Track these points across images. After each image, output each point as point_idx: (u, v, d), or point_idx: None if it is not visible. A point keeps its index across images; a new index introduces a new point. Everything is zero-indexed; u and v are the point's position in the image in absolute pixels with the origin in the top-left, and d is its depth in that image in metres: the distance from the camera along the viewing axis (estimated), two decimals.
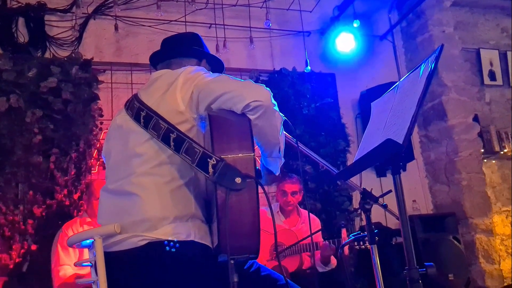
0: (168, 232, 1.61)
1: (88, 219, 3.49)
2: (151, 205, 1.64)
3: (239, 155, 1.58)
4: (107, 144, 1.92)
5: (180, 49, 2.06)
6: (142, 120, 1.73)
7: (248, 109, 1.60)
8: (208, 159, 1.54)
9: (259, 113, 1.61)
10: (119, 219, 1.66)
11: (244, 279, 1.57)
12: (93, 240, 1.66)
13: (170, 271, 1.61)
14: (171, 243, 1.60)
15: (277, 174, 1.84)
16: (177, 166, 1.67)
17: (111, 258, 1.65)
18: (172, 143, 1.63)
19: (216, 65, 2.13)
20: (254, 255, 1.58)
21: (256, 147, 1.71)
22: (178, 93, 1.71)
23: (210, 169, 1.53)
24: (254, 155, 1.59)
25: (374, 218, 4.56)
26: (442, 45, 1.70)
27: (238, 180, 1.51)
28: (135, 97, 1.84)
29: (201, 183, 1.74)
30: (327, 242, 3.73)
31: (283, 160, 1.84)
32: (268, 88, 1.66)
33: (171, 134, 1.64)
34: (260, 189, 1.58)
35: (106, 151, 1.92)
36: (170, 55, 2.04)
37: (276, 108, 1.68)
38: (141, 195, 1.66)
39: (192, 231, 1.64)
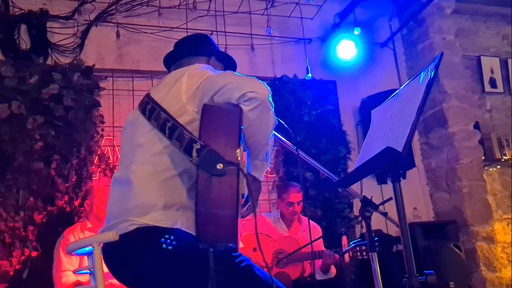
0: (155, 218, 1.64)
1: (89, 225, 3.48)
2: (143, 192, 1.69)
3: (224, 141, 1.62)
4: (121, 138, 2.02)
5: (189, 49, 2.13)
6: (147, 113, 1.80)
7: (243, 99, 1.64)
8: (194, 144, 1.61)
9: (253, 104, 1.64)
10: (119, 205, 1.73)
11: (233, 271, 1.62)
12: (92, 247, 1.66)
13: (155, 258, 1.63)
14: (158, 229, 1.63)
15: (261, 179, 1.88)
16: (173, 156, 1.71)
17: (106, 246, 1.71)
18: (167, 131, 1.70)
19: (227, 63, 2.20)
20: (233, 243, 1.59)
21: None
22: (183, 86, 1.77)
23: (194, 153, 1.60)
24: (239, 140, 1.62)
25: (375, 225, 4.55)
26: (442, 53, 1.71)
27: (220, 166, 1.56)
28: (147, 94, 1.92)
29: (195, 175, 1.76)
30: (329, 251, 3.73)
31: (268, 165, 1.87)
32: (269, 88, 1.70)
33: (167, 123, 1.71)
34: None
35: (120, 145, 2.04)
36: (181, 56, 2.12)
37: (273, 109, 1.71)
38: (135, 183, 1.71)
39: (180, 220, 1.66)
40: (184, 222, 1.66)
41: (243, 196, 1.77)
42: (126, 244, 1.66)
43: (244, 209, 1.84)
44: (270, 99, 1.69)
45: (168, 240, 1.61)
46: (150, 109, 1.79)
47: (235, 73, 1.79)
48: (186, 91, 1.75)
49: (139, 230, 1.64)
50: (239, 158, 1.61)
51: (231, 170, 1.57)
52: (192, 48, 2.13)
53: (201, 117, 1.65)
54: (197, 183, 1.56)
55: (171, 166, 1.71)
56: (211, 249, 1.52)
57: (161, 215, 1.65)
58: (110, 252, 1.72)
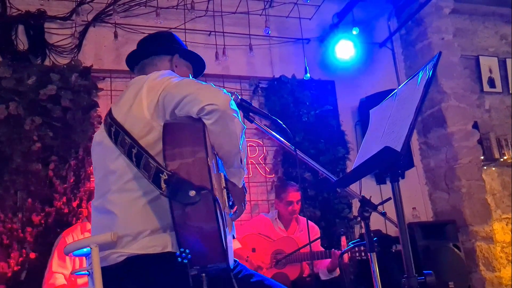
0: (144, 245, 1.59)
1: (89, 227, 3.47)
2: (126, 222, 1.62)
3: (192, 160, 1.52)
4: (92, 160, 1.93)
5: (151, 48, 2.05)
6: (113, 136, 1.72)
7: (203, 113, 1.56)
8: (160, 174, 1.51)
9: (214, 117, 1.56)
10: None
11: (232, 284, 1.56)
12: (89, 248, 1.65)
13: (149, 285, 1.59)
14: (148, 256, 1.58)
15: (240, 187, 1.82)
16: (147, 180, 1.61)
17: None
18: (134, 159, 1.61)
19: (193, 60, 2.09)
20: (222, 263, 1.51)
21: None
22: (144, 102, 1.68)
23: (163, 185, 1.49)
24: (207, 157, 1.52)
25: (375, 225, 4.56)
26: (440, 53, 1.70)
27: (192, 193, 1.46)
28: (109, 112, 1.82)
29: None
30: (337, 251, 3.74)
31: (245, 172, 1.81)
32: (228, 93, 1.63)
33: (132, 150, 1.62)
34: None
35: (93, 167, 1.93)
36: (143, 55, 2.03)
37: (236, 115, 1.63)
38: (116, 213, 1.65)
39: (170, 242, 1.61)
40: (174, 243, 1.60)
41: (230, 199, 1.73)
42: (118, 275, 1.61)
43: (232, 211, 1.82)
44: (232, 106, 1.61)
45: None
46: (115, 133, 1.70)
47: (195, 80, 1.69)
48: (147, 107, 1.67)
49: (129, 260, 1.59)
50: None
51: (205, 194, 1.47)
52: (154, 47, 2.04)
53: (163, 139, 1.55)
54: (172, 214, 1.47)
55: (148, 190, 1.63)
56: (203, 274, 1.45)
57: (150, 240, 1.59)
58: (105, 281, 1.64)
